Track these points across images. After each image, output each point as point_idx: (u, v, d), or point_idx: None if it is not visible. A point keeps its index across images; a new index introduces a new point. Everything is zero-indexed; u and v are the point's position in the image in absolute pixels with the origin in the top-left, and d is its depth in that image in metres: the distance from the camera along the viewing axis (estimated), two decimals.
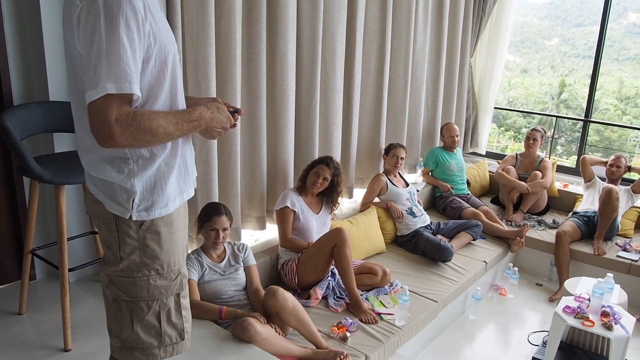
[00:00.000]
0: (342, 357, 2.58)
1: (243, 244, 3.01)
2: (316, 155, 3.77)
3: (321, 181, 3.42)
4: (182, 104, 1.55)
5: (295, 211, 3.36)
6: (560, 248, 4.42)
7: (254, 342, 2.48)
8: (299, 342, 2.72)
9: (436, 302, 3.43)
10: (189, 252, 2.89)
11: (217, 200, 3.10)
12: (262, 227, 3.60)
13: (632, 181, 4.92)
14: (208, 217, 2.78)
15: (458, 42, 5.30)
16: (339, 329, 2.94)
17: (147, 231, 1.51)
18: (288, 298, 2.66)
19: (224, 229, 2.79)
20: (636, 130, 30.32)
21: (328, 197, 3.55)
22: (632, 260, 4.29)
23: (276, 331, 2.64)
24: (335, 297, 3.27)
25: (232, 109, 1.65)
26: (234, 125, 1.65)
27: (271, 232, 3.72)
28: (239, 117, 1.69)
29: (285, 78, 3.43)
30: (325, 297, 3.26)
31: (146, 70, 1.40)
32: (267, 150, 3.48)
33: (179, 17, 2.72)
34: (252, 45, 3.20)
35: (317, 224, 3.46)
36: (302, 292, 3.30)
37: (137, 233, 1.51)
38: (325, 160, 3.47)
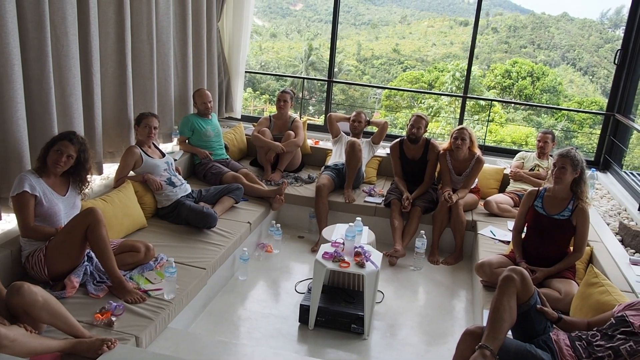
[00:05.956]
0: (110, 343, 2.42)
1: None
2: (56, 131, 3.39)
3: (65, 159, 3.08)
4: None
5: (36, 195, 2.98)
6: (320, 200, 4.75)
7: (1, 349, 2.17)
8: (59, 337, 2.47)
9: (204, 269, 3.42)
10: None
11: None
12: None
13: (372, 134, 5.48)
14: None
15: (203, 6, 5.21)
16: (102, 315, 2.76)
17: None
18: (37, 292, 2.37)
19: None
20: (374, 88, 34.16)
21: (75, 175, 3.22)
22: (377, 203, 4.83)
23: (27, 330, 2.35)
24: (94, 282, 3.04)
25: None
26: None
27: (9, 222, 3.27)
28: None
29: (6, 45, 2.97)
30: (83, 284, 3.01)
31: None
32: None
33: None
34: None
35: (64, 207, 3.13)
36: (55, 283, 2.99)
37: None
38: (68, 136, 3.13)
